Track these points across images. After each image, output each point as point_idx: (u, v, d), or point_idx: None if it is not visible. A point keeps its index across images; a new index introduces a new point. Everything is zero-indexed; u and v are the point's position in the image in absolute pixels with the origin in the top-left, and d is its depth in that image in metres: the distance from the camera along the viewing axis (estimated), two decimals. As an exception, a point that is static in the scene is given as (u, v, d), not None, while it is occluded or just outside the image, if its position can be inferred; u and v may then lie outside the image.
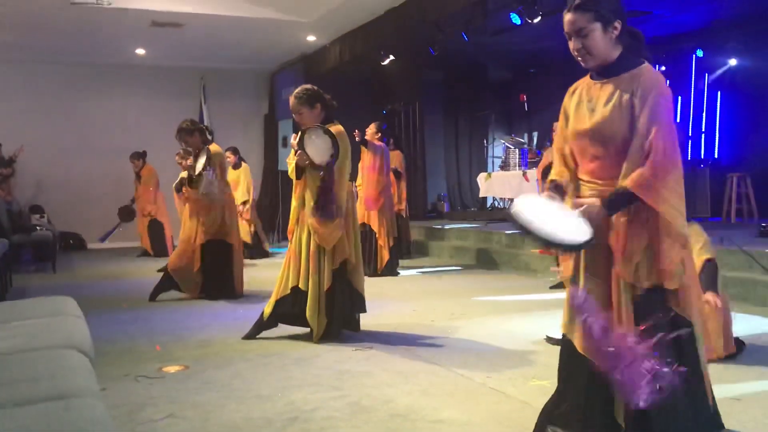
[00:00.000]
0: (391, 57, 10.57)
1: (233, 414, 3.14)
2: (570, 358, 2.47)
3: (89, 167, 12.36)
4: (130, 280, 7.97)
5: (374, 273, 7.70)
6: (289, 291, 4.52)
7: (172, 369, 3.95)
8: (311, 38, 11.19)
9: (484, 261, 8.73)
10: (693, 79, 11.44)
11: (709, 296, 3.73)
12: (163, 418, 3.10)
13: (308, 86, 4.66)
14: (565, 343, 2.52)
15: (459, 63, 12.51)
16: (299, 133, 4.49)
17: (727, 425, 2.87)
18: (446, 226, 10.68)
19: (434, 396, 3.34)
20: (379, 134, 7.98)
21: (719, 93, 11.16)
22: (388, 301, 6.09)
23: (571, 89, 2.57)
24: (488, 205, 12.75)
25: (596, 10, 2.32)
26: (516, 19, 8.46)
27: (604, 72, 2.42)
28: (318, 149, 4.38)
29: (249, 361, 4.10)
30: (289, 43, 11.48)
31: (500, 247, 8.83)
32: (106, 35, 10.58)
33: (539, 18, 8.08)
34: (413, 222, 10.60)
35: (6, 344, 2.44)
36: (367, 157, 7.84)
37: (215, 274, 6.31)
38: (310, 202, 4.46)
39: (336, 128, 4.50)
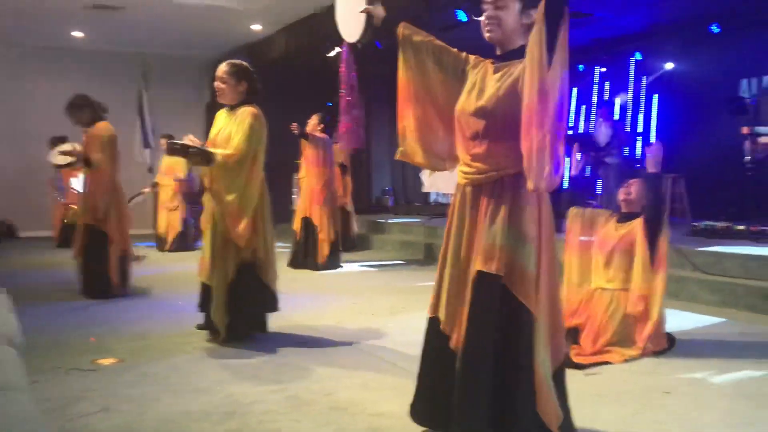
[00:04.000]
0: (338, 49, 10.50)
1: (170, 407, 3.08)
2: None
3: (23, 153, 11.88)
4: (64, 270, 7.71)
5: (315, 267, 7.66)
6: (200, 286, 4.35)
7: (106, 362, 3.84)
8: (256, 27, 11.02)
9: (428, 255, 8.78)
10: (632, 81, 11.75)
11: None
12: (97, 411, 3.02)
13: (245, 63, 4.44)
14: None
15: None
16: (169, 150, 4.20)
17: (658, 417, 2.96)
18: (390, 220, 10.70)
19: (375, 389, 3.34)
20: (322, 126, 7.92)
21: (656, 96, 11.49)
22: (330, 295, 6.07)
23: (476, 60, 2.59)
24: (432, 200, 12.84)
25: None
26: (462, 16, 8.51)
27: (504, 56, 2.46)
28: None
29: (187, 354, 4.02)
30: (233, 31, 11.28)
31: (440, 241, 8.88)
32: (41, 16, 10.18)
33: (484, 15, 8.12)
34: (359, 216, 10.58)
35: (-72, 335, 2.32)
36: (308, 150, 7.78)
37: (87, 263, 5.88)
38: (220, 195, 4.17)
39: (252, 110, 4.26)
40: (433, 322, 2.62)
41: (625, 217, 4.19)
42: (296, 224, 7.93)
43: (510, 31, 2.42)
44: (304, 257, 7.80)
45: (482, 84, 2.46)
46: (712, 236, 7.09)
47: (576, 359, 3.74)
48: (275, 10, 9.98)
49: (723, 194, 9.36)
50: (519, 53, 2.38)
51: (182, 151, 4.12)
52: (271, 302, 4.40)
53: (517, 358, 2.34)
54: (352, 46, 3.06)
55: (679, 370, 3.67)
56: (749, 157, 7.11)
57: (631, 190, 4.21)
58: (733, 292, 5.45)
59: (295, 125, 7.54)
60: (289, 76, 11.90)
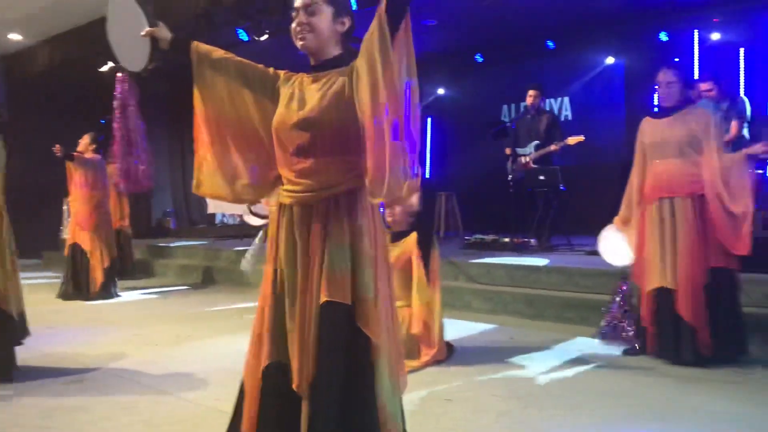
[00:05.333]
0: (110, 64, 9.90)
1: None
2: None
3: None
4: None
5: (88, 297, 7.09)
6: None
7: None
8: (15, 37, 10.06)
9: (213, 279, 8.53)
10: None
11: None
12: None
13: None
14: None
15: (185, 75, 12.10)
16: None
17: (440, 424, 3.10)
18: (173, 244, 10.26)
19: (159, 426, 3.14)
20: (94, 146, 7.38)
21: (429, 119, 12.25)
22: (105, 326, 5.63)
23: (287, 74, 2.42)
24: (217, 221, 12.53)
25: None
26: (243, 35, 8.46)
27: (320, 66, 2.32)
28: None
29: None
30: (-13, 41, 10.20)
31: (228, 264, 8.69)
32: None
33: (266, 36, 8.16)
34: (137, 240, 10.00)
35: None
36: (76, 173, 7.21)
37: None
38: None
39: None
40: (275, 368, 2.26)
41: (396, 236, 4.35)
42: (66, 252, 7.30)
43: (325, 38, 2.29)
44: (75, 287, 7.18)
45: (301, 95, 2.30)
46: (482, 249, 7.67)
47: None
48: (37, 20, 9.17)
49: (490, 210, 10.19)
50: (336, 62, 2.29)
51: None
52: (13, 333, 3.97)
53: (362, 393, 2.17)
54: (135, 75, 2.71)
55: (459, 377, 3.89)
56: (511, 176, 7.81)
57: (395, 211, 4.37)
58: (502, 300, 5.92)
59: (58, 147, 6.94)
60: (57, 91, 11.00)
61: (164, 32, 2.45)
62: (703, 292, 4.03)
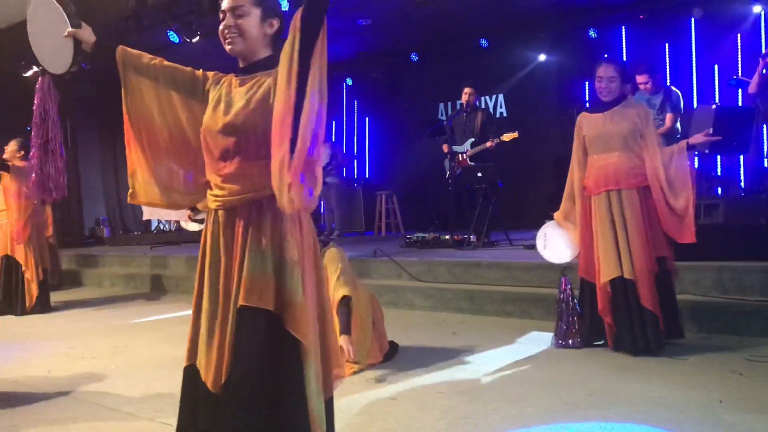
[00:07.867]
0: (35, 68, 9.57)
1: None
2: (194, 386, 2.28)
3: None
4: None
5: (23, 311, 6.84)
6: None
7: None
8: (-68, 42, 9.60)
9: (156, 287, 8.33)
10: (345, 105, 12.42)
11: (343, 342, 3.71)
12: None
13: None
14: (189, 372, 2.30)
15: (114, 79, 11.76)
16: None
17: (384, 423, 3.11)
18: (108, 253, 9.99)
19: (96, 441, 3.05)
20: (23, 152, 7.10)
21: (367, 119, 12.27)
22: (40, 341, 5.44)
23: (216, 76, 2.39)
24: (153, 228, 12.26)
25: None
26: (174, 38, 8.30)
27: (249, 68, 2.29)
28: None
29: None
30: None
31: (169, 271, 8.52)
32: None
33: (198, 38, 8.03)
34: (69, 250, 9.71)
35: None
36: (9, 182, 6.92)
37: None
38: None
39: None
40: (190, 371, 2.27)
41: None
42: (-1, 264, 7.01)
43: (254, 41, 2.24)
44: (7, 302, 6.91)
45: (228, 99, 2.26)
46: (422, 246, 7.72)
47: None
48: (-45, 24, 8.79)
49: (429, 207, 10.29)
50: (265, 64, 2.26)
51: None
52: None
53: (289, 395, 2.14)
54: (59, 77, 2.65)
55: (403, 375, 3.90)
56: (449, 173, 7.89)
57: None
58: (444, 296, 5.97)
59: None
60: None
61: (87, 34, 2.39)
62: (655, 281, 4.09)
